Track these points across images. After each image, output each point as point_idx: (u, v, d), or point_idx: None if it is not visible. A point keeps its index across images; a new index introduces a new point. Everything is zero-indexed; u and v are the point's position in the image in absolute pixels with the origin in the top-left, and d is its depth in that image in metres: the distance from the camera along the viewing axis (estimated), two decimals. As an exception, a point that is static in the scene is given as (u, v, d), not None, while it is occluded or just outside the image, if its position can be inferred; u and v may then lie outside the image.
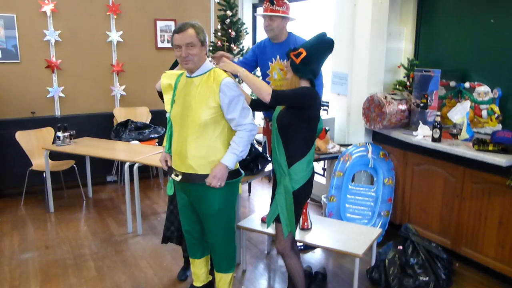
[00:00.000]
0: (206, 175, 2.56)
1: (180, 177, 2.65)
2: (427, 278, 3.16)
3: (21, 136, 4.92)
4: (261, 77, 3.56)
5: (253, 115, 5.42)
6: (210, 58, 2.77)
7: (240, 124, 2.54)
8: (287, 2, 3.33)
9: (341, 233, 3.28)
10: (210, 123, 2.52)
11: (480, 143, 3.23)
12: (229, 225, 2.77)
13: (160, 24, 5.91)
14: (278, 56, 3.34)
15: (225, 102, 2.50)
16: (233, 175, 2.65)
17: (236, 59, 5.62)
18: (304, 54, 2.55)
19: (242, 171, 2.78)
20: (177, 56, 2.54)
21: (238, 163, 2.67)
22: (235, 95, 2.51)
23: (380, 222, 3.95)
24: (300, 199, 2.67)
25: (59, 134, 4.68)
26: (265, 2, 3.30)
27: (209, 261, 3.07)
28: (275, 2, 3.25)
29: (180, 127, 2.59)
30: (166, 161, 2.86)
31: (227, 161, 2.53)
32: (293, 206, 2.61)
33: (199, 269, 3.00)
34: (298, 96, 2.52)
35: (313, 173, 2.71)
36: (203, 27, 2.58)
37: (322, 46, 2.61)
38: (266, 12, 3.28)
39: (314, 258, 3.80)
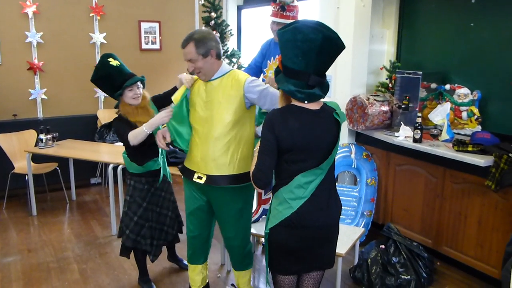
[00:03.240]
0: (230, 176, 2.58)
1: (204, 178, 2.62)
2: (409, 277, 3.21)
3: (2, 139, 4.86)
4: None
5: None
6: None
7: None
8: (297, 4, 3.29)
9: (325, 234, 3.31)
10: (234, 123, 2.54)
11: (459, 144, 3.30)
12: (247, 224, 2.83)
13: (144, 25, 5.89)
14: (277, 56, 3.33)
15: (255, 99, 2.52)
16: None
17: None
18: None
19: None
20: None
21: None
22: (261, 89, 2.52)
23: (363, 222, 4.00)
24: (272, 245, 2.11)
25: (42, 136, 4.64)
26: (273, 4, 3.24)
27: (207, 265, 3.10)
28: (286, 7, 3.17)
29: (203, 130, 2.60)
30: (165, 138, 2.75)
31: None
32: (266, 252, 2.17)
33: (199, 274, 3.02)
34: (261, 149, 2.02)
35: (293, 220, 2.01)
36: (207, 36, 2.52)
37: (286, 41, 1.92)
38: (275, 18, 3.22)
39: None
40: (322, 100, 2.06)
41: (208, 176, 2.61)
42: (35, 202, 4.77)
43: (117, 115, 3.01)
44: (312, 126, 1.98)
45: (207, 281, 3.13)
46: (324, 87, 2.00)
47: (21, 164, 4.87)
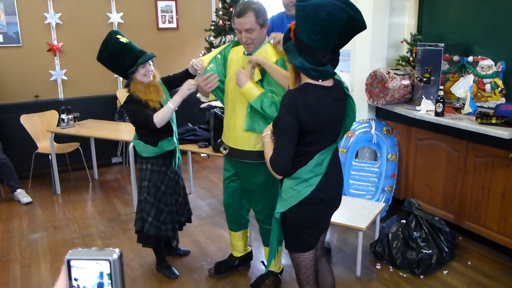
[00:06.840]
0: (250, 152, 2.62)
1: (227, 150, 2.74)
2: (430, 251, 3.19)
3: (25, 120, 4.95)
4: None
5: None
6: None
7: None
8: None
9: (345, 208, 3.31)
10: None
11: (483, 117, 3.23)
12: (274, 201, 2.78)
13: (160, 4, 5.86)
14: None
15: None
16: None
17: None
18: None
19: None
20: (239, 39, 2.55)
21: None
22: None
23: (384, 198, 3.98)
24: (291, 225, 2.09)
25: (63, 116, 4.71)
26: None
27: (246, 235, 3.21)
28: None
29: (233, 102, 2.63)
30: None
31: None
32: (276, 231, 2.14)
33: (236, 241, 3.19)
34: (280, 134, 1.94)
35: (314, 197, 2.01)
36: (263, 7, 2.50)
37: (306, 16, 1.79)
38: None
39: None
40: None
41: (231, 149, 2.70)
42: (59, 181, 4.87)
43: (127, 96, 2.91)
44: (330, 106, 1.94)
45: (250, 250, 3.27)
46: (335, 62, 1.93)
47: (44, 144, 4.96)
